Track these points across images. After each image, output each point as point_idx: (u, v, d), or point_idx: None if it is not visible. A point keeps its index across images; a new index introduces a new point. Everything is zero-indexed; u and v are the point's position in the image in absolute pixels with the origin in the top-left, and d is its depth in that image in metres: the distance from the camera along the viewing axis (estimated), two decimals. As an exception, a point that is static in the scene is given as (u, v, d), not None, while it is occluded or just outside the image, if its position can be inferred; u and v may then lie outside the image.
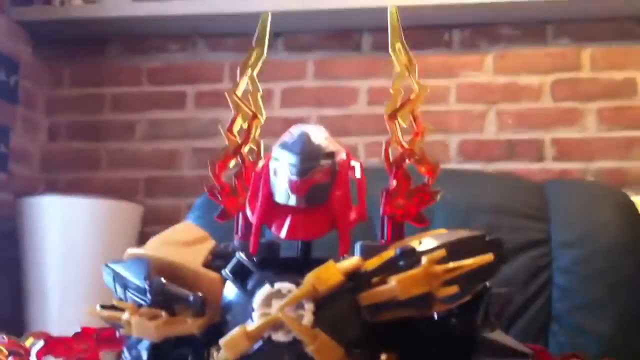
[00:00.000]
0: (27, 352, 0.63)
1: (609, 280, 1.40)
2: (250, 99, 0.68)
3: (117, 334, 0.63)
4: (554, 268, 1.40)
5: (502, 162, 2.36)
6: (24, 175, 2.58)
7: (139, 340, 0.59)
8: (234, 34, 2.62)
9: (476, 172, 2.14)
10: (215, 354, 0.57)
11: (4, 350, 0.63)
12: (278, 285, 0.53)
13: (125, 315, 0.55)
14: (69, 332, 0.78)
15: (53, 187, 2.64)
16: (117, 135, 2.65)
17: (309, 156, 0.56)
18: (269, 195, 0.58)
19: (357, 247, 0.59)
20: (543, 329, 1.37)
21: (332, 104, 2.51)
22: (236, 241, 0.64)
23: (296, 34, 2.57)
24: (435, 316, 0.58)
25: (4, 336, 0.63)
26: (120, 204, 2.42)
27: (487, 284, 0.57)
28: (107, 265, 0.60)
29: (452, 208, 1.34)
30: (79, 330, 0.64)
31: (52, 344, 0.63)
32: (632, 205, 1.55)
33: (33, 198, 2.35)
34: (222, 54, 2.64)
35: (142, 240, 2.44)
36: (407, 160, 0.62)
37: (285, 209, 0.57)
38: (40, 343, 0.63)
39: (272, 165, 0.58)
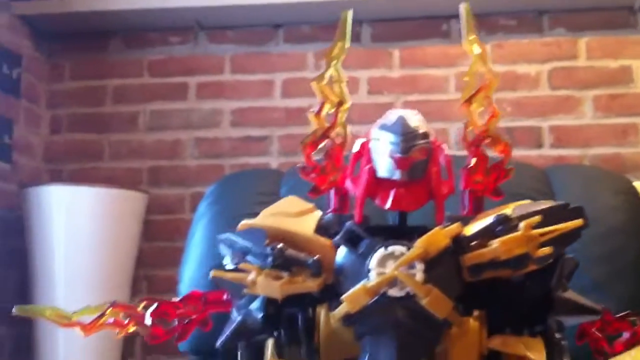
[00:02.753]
0: (141, 314, 0.69)
1: (613, 263, 1.46)
2: (335, 86, 0.75)
3: (225, 296, 0.70)
4: (560, 250, 1.46)
5: (500, 149, 2.42)
6: (27, 167, 2.62)
7: (249, 301, 0.66)
8: (234, 26, 2.67)
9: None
10: (323, 311, 0.65)
11: (120, 314, 0.69)
12: (391, 248, 0.61)
13: (251, 276, 0.62)
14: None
15: (56, 178, 2.68)
16: (119, 126, 2.69)
17: (409, 136, 0.65)
18: (373, 171, 0.66)
19: (445, 218, 0.66)
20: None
21: (333, 94, 2.57)
22: (330, 214, 0.71)
23: (296, 26, 2.63)
24: (514, 280, 0.66)
25: (116, 301, 0.70)
26: (124, 193, 2.45)
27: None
28: (223, 236, 0.67)
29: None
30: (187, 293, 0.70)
31: (163, 307, 0.69)
32: (634, 189, 1.62)
33: (38, 188, 2.38)
34: (223, 46, 2.69)
35: (146, 228, 2.50)
36: (483, 141, 0.70)
37: (387, 184, 0.65)
38: (154, 306, 0.69)
39: (373, 144, 0.66)
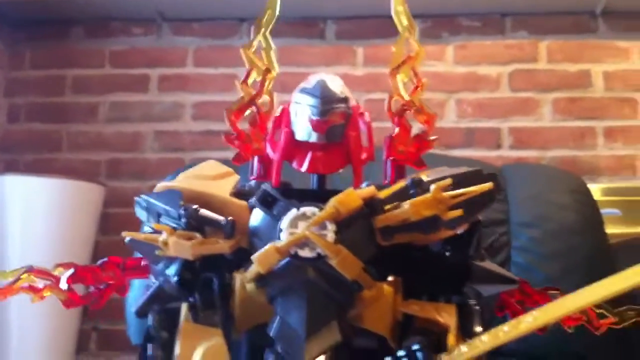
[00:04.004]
0: (57, 279, 0.68)
1: (565, 260, 1.47)
2: (263, 54, 0.75)
3: (142, 263, 0.69)
4: (513, 247, 1.47)
5: (461, 149, 2.44)
6: (-17, 156, 2.59)
7: (166, 267, 0.65)
8: (199, 18, 2.65)
9: (437, 155, 2.23)
10: (238, 276, 0.64)
11: (35, 279, 0.68)
12: (303, 209, 0.60)
13: (162, 237, 0.61)
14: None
15: (13, 168, 2.64)
16: (78, 117, 2.66)
17: (327, 99, 0.65)
18: (291, 134, 0.65)
19: (364, 185, 0.66)
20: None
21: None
22: (252, 182, 0.70)
23: (261, 21, 2.62)
24: (432, 249, 0.66)
25: (33, 266, 0.69)
26: (81, 185, 2.42)
27: (480, 218, 0.65)
28: (139, 197, 0.66)
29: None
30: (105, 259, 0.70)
31: (80, 272, 0.68)
32: (587, 189, 1.63)
33: (-7, 178, 2.36)
34: (187, 39, 2.68)
35: (103, 221, 2.47)
36: (407, 111, 0.70)
37: (305, 147, 0.65)
38: (70, 271, 0.68)
39: (293, 108, 0.66)
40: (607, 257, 1.51)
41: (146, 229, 0.68)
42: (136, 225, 2.16)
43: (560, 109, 2.46)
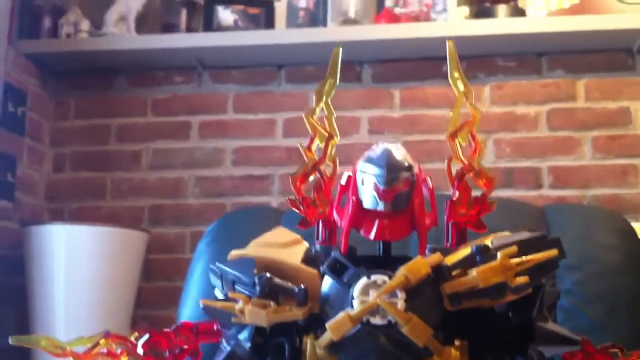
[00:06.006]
0: (134, 344, 0.71)
1: (609, 301, 1.46)
2: (326, 121, 0.77)
3: (215, 327, 0.72)
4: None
5: (500, 190, 2.44)
6: (29, 205, 2.63)
7: (238, 332, 0.67)
8: (238, 66, 2.70)
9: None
10: (309, 341, 0.66)
11: (113, 345, 0.71)
12: (374, 277, 0.62)
13: (239, 305, 0.63)
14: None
15: (58, 216, 2.69)
16: (122, 165, 2.72)
17: (393, 168, 0.67)
18: (359, 203, 0.68)
19: (427, 249, 0.68)
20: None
21: (335, 133, 2.60)
22: (318, 246, 0.72)
23: (298, 66, 2.67)
24: (497, 310, 0.67)
25: (109, 332, 0.71)
26: (125, 232, 2.46)
27: (543, 280, 0.67)
28: (214, 265, 0.69)
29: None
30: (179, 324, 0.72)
31: (155, 337, 0.71)
32: (630, 228, 1.62)
33: (39, 226, 2.39)
34: (226, 86, 2.72)
35: (146, 268, 2.50)
36: (467, 174, 0.72)
37: (371, 215, 0.68)
38: (146, 336, 0.71)
39: (359, 176, 0.69)
40: (654, 298, 1.50)
41: (218, 294, 0.70)
42: (180, 271, 2.18)
43: (600, 147, 2.46)
